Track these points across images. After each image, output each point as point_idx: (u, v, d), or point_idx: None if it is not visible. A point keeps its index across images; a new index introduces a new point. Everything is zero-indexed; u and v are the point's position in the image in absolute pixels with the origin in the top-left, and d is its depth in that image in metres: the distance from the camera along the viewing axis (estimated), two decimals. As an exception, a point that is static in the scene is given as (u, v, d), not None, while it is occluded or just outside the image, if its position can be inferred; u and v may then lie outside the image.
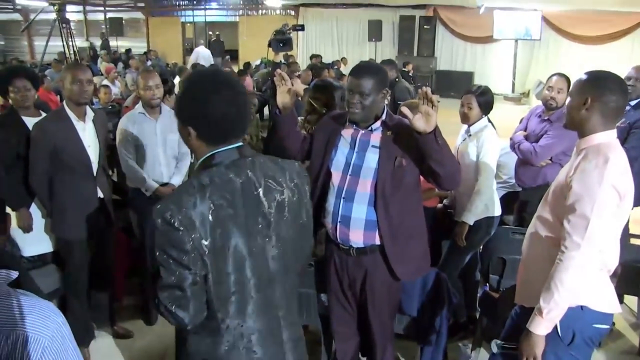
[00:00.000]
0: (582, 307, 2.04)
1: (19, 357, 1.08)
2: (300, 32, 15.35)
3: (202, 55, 14.92)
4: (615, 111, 2.04)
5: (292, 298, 1.69)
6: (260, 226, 1.53)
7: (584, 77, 2.09)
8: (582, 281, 1.96)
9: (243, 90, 1.60)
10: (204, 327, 1.54)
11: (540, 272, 2.08)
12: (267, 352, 1.58)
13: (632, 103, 3.93)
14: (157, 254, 1.46)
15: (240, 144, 1.58)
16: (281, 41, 3.47)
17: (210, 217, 1.43)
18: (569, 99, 2.15)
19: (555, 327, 2.06)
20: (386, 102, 2.49)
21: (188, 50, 19.26)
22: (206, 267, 1.45)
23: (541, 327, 2.01)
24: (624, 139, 3.69)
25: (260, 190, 1.54)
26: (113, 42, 18.37)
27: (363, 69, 2.38)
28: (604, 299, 2.07)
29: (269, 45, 3.54)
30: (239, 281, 1.49)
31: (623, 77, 3.37)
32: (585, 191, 1.94)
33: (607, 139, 2.04)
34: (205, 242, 1.42)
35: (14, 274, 1.19)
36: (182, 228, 1.40)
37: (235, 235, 1.47)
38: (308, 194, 1.71)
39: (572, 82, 2.20)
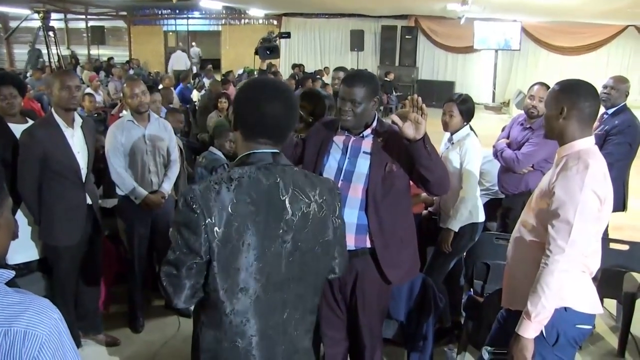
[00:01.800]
0: (565, 308, 2.10)
1: (17, 353, 1.09)
2: (282, 42, 15.43)
3: (175, 56, 15.63)
4: (591, 116, 2.12)
5: (301, 308, 1.68)
6: (280, 231, 1.56)
7: (557, 87, 2.17)
8: (567, 284, 2.02)
9: (291, 103, 1.64)
10: (211, 317, 1.58)
11: (526, 276, 2.13)
12: (265, 356, 1.60)
13: (610, 111, 4.05)
14: (171, 230, 1.55)
15: (277, 150, 1.63)
16: (268, 48, 3.49)
17: (229, 209, 1.49)
18: (545, 109, 2.22)
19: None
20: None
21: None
22: (212, 254, 1.49)
23: (530, 330, 2.06)
24: (600, 145, 3.80)
25: (287, 197, 1.58)
26: (94, 51, 18.30)
27: (355, 78, 2.43)
28: (586, 300, 2.13)
29: (256, 52, 3.54)
30: (248, 278, 1.53)
31: (599, 86, 3.49)
32: (568, 197, 2.00)
33: (586, 145, 2.11)
34: (217, 230, 1.47)
35: (11, 273, 1.21)
36: (198, 211, 1.47)
37: (251, 232, 1.51)
38: (338, 212, 1.73)
39: (548, 92, 2.27)
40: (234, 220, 1.49)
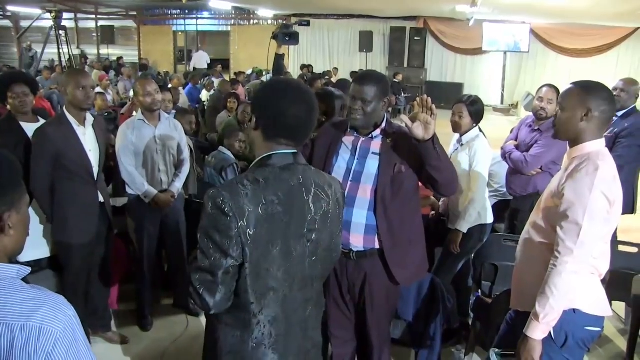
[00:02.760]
0: (574, 310, 2.10)
1: (33, 348, 1.11)
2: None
3: (197, 55, 16.42)
4: (608, 120, 2.13)
5: (319, 304, 1.74)
6: (305, 230, 1.59)
7: (578, 88, 2.13)
8: (575, 285, 2.02)
9: (314, 106, 1.65)
10: (236, 318, 1.59)
11: (535, 277, 2.13)
12: (287, 354, 1.63)
13: (619, 113, 4.04)
14: (199, 236, 1.53)
15: (296, 151, 1.64)
16: (287, 34, 3.43)
17: (260, 211, 1.49)
18: (560, 110, 2.17)
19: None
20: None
21: (179, 59, 19.31)
22: (245, 257, 1.50)
23: (538, 331, 2.06)
24: (610, 148, 3.79)
25: (310, 197, 1.60)
26: (104, 50, 18.40)
27: (366, 77, 2.45)
28: (595, 302, 2.13)
29: (274, 37, 3.48)
30: (276, 278, 1.55)
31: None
32: (577, 198, 2.00)
33: (597, 147, 2.10)
34: (250, 232, 1.48)
35: (27, 269, 1.23)
36: (231, 214, 1.46)
37: (280, 233, 1.53)
38: (343, 205, 1.79)
39: (562, 93, 2.23)
40: (264, 222, 1.50)
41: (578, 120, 2.09)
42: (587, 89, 2.11)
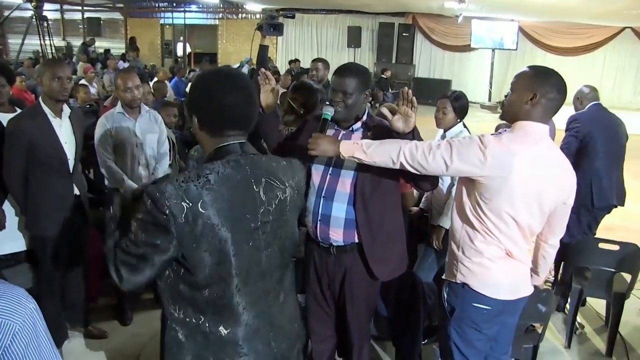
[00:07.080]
0: (463, 284, 2.17)
1: None
2: (279, 38, 15.37)
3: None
4: (555, 109, 2.10)
5: (284, 291, 1.67)
6: (258, 223, 1.52)
7: (530, 72, 2.13)
8: (470, 265, 2.15)
9: (249, 88, 1.59)
10: (187, 313, 1.54)
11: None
12: (254, 350, 1.57)
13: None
14: (133, 223, 1.47)
15: (244, 141, 1.59)
16: (272, 25, 3.38)
17: (199, 207, 1.43)
18: (510, 92, 2.17)
19: (443, 298, 2.26)
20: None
21: (167, 52, 19.16)
22: (186, 252, 1.44)
23: (346, 147, 2.19)
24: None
25: (261, 188, 1.53)
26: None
27: (347, 69, 2.42)
28: (487, 282, 2.15)
29: (259, 28, 3.43)
30: (226, 274, 1.48)
31: (600, 87, 3.52)
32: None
33: (538, 129, 2.08)
34: (188, 230, 1.42)
35: None
36: (167, 212, 1.40)
37: (225, 229, 1.46)
38: (304, 187, 1.74)
39: (516, 75, 2.21)
40: (205, 219, 1.43)
41: (523, 102, 2.08)
42: (538, 74, 2.10)
